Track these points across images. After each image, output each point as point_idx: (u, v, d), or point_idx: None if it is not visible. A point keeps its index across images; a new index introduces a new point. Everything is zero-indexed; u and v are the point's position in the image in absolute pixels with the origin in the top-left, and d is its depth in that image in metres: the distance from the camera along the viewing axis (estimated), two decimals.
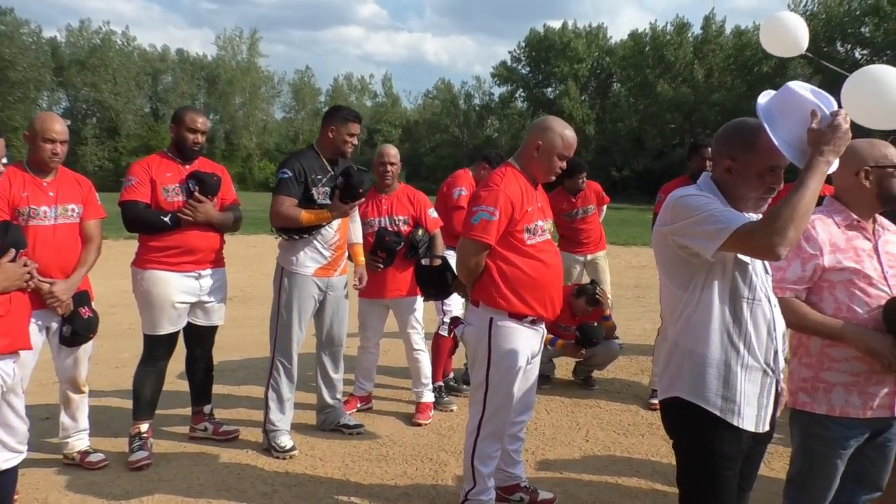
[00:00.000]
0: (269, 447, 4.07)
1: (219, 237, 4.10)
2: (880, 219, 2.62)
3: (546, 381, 5.46)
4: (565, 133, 3.18)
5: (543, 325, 3.36)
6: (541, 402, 4.95)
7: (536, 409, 4.81)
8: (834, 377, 2.44)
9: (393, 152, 4.78)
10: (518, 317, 3.18)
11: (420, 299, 4.74)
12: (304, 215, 3.93)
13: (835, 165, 2.02)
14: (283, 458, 3.98)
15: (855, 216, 2.53)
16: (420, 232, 4.72)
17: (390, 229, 4.68)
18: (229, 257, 4.31)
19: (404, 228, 4.70)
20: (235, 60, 63.74)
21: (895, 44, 32.59)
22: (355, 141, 4.17)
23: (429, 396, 4.83)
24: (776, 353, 2.18)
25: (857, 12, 34.88)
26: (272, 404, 4.12)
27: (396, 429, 4.57)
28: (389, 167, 4.70)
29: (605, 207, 6.76)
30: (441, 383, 5.09)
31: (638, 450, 4.29)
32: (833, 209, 2.58)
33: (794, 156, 2.03)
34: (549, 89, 54.87)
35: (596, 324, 5.33)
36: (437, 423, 4.69)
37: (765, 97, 2.16)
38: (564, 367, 5.84)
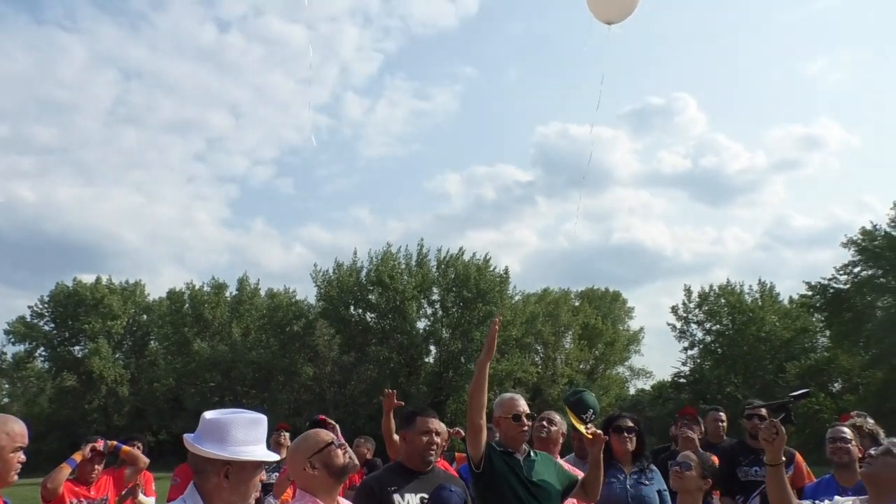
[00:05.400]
0: None
1: None
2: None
3: None
4: (13, 428, 2.74)
5: None
6: None
7: None
8: None
9: None
10: None
11: None
12: None
13: None
14: None
15: None
16: None
17: None
18: None
19: None
20: None
21: (395, 309, 39.60)
22: None
23: None
24: None
25: (364, 281, 41.52)
26: None
27: None
28: None
29: None
30: None
31: None
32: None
33: None
34: (77, 347, 50.03)
35: None
36: None
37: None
38: None
